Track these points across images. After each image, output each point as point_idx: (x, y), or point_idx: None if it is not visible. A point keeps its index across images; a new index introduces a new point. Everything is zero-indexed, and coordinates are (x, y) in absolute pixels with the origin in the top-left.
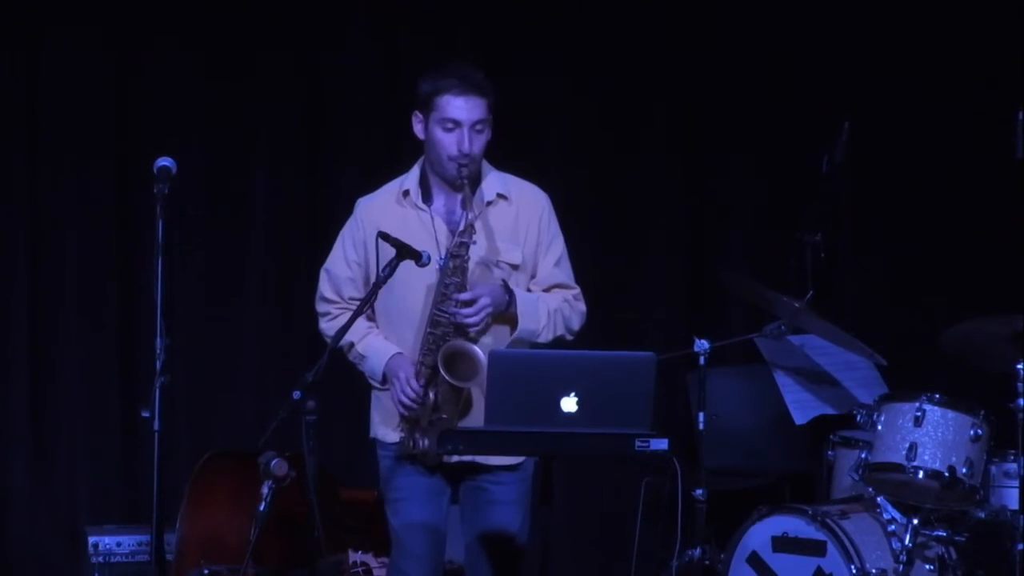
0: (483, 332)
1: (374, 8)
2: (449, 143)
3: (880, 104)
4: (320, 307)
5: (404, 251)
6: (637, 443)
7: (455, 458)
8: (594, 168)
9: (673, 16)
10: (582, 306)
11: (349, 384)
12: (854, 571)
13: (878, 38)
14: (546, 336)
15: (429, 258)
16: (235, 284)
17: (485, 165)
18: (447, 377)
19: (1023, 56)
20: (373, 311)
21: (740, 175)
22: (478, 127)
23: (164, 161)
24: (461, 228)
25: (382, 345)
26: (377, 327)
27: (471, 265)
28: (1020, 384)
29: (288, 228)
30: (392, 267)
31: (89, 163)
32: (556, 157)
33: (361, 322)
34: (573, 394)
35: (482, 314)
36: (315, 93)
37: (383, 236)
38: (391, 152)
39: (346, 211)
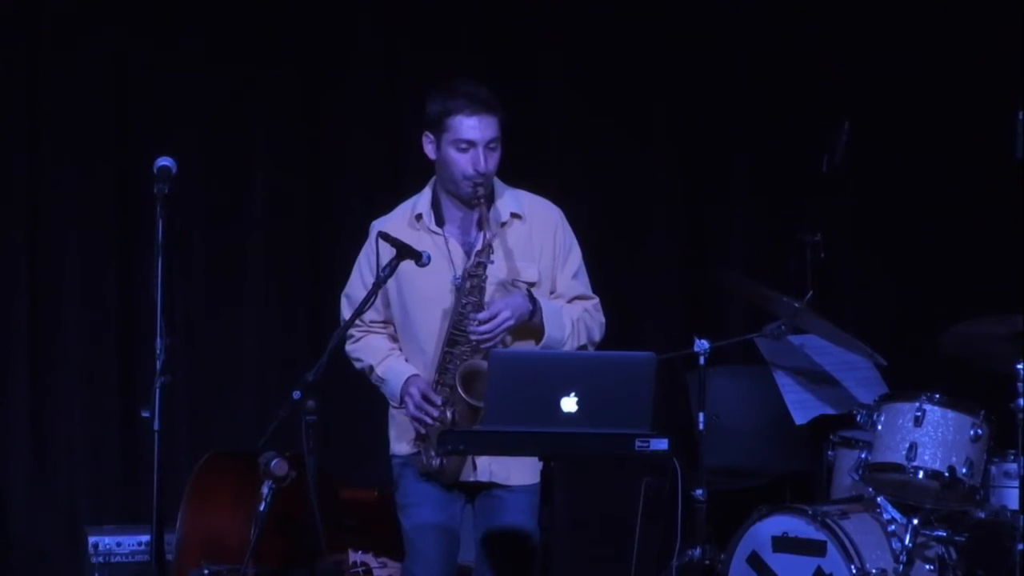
0: (506, 345)
1: (375, 8)
2: (464, 163)
3: (880, 104)
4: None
5: (404, 251)
6: (637, 443)
7: (473, 477)
8: (594, 168)
9: (673, 16)
10: (602, 317)
11: (349, 385)
12: (854, 571)
13: (878, 37)
14: (571, 345)
15: (429, 258)
16: (235, 284)
17: (497, 183)
18: (464, 396)
19: (1023, 56)
20: (396, 329)
21: (740, 175)
22: (491, 145)
23: (164, 161)
24: (479, 248)
25: (402, 367)
26: (399, 349)
27: (489, 286)
28: (1020, 384)
29: (288, 228)
30: (392, 267)
31: (89, 163)
32: (556, 157)
33: (383, 342)
34: (573, 394)
35: (502, 327)
36: (315, 92)
37: (383, 236)
38: (391, 151)
39: (346, 209)
